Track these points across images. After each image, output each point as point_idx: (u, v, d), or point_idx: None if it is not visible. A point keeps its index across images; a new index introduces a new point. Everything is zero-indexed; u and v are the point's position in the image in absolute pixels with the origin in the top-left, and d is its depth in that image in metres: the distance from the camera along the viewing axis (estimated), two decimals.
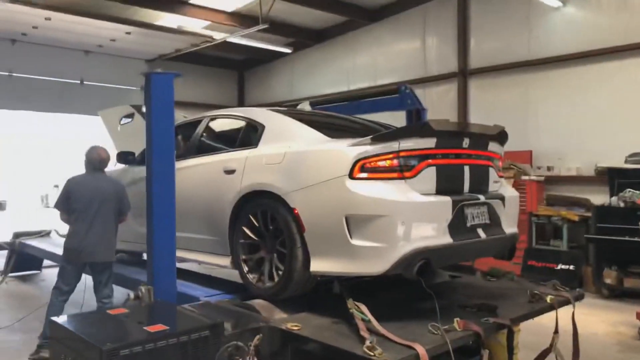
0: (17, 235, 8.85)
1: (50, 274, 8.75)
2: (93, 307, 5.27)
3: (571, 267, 7.61)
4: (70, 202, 5.13)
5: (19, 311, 6.57)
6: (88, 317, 3.60)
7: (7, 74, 12.56)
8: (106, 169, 5.48)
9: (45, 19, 10.74)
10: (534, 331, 4.38)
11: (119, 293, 5.47)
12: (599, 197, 8.77)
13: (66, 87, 13.41)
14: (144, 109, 4.74)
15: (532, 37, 9.97)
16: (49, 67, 13.06)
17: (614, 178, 8.53)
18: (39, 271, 9.45)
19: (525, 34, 10.07)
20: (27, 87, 12.83)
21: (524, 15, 10.04)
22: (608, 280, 7.96)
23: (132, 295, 3.67)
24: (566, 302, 4.03)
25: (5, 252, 8.99)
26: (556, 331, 3.91)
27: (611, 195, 8.40)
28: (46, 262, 8.97)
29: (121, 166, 5.81)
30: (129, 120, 6.67)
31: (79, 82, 13.54)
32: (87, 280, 5.37)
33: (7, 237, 9.02)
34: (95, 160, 5.25)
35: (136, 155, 5.41)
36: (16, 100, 12.79)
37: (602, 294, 8.00)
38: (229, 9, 11.36)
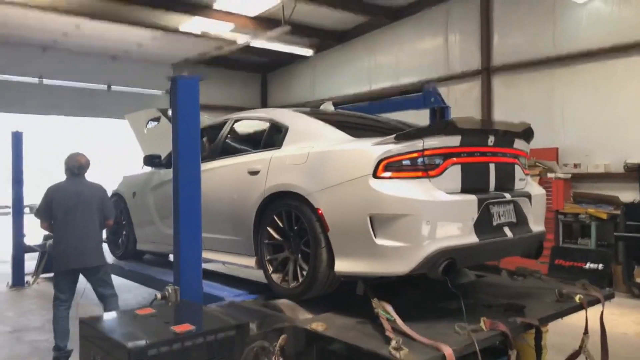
0: (47, 237, 9.05)
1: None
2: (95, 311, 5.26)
3: (600, 266, 7.44)
4: (51, 209, 5.16)
5: (50, 311, 6.67)
6: (116, 317, 3.67)
7: (37, 80, 12.86)
8: (134, 172, 5.52)
9: (75, 26, 10.99)
10: (562, 332, 4.30)
11: (146, 293, 5.50)
12: (629, 195, 8.58)
13: (94, 92, 13.67)
14: (169, 112, 4.79)
15: (557, 32, 9.79)
16: (77, 73, 13.34)
17: None
18: None
19: (550, 28, 9.89)
20: (56, 92, 13.13)
21: (549, 10, 9.87)
22: (639, 280, 7.79)
23: (159, 295, 3.71)
24: (596, 302, 3.94)
25: (36, 254, 9.21)
26: (586, 332, 3.82)
27: None
28: None
29: (148, 169, 5.90)
30: (155, 123, 6.76)
31: (106, 87, 13.79)
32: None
33: (38, 240, 9.24)
34: (74, 166, 5.30)
35: (162, 158, 5.48)
36: (46, 106, 13.09)
37: (633, 294, 7.82)
38: (252, 14, 11.44)
